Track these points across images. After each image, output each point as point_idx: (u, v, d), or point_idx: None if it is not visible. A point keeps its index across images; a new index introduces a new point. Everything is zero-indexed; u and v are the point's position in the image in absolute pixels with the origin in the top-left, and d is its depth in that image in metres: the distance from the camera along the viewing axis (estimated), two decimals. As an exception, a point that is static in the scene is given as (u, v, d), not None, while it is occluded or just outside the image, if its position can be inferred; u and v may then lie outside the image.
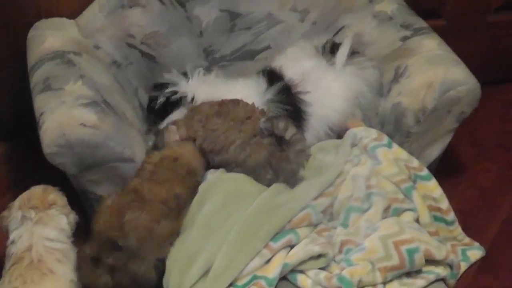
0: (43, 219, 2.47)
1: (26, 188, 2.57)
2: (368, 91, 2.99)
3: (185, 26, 3.09)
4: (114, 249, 2.42)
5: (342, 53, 2.99)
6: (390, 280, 2.48)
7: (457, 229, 2.83)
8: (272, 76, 2.97)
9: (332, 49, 3.03)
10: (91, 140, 2.53)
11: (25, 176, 2.54)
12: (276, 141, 2.65)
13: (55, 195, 2.54)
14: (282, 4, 3.16)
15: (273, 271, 2.44)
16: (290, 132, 2.64)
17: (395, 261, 2.46)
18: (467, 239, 2.89)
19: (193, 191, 2.62)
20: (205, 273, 2.44)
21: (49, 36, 2.92)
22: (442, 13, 3.55)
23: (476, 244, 2.91)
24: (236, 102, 2.78)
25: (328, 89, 2.97)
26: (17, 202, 2.52)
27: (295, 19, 3.19)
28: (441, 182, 2.77)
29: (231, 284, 2.42)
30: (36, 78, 2.75)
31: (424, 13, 3.24)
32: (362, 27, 3.15)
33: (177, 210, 2.55)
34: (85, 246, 2.47)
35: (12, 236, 2.46)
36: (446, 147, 3.01)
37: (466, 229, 2.89)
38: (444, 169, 3.15)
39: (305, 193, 2.60)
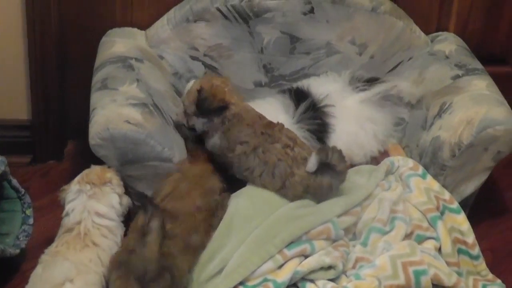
0: (97, 194, 2.67)
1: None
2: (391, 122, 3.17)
3: (247, 40, 3.23)
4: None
5: (373, 92, 3.15)
6: (396, 300, 2.56)
7: (482, 265, 2.85)
8: (299, 95, 3.12)
9: (360, 80, 3.19)
10: (133, 136, 2.70)
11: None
12: (318, 170, 2.70)
13: (112, 175, 2.73)
14: (341, 36, 3.25)
15: (283, 276, 2.55)
16: (342, 164, 2.68)
17: (401, 280, 2.54)
18: (490, 276, 2.89)
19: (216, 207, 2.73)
20: (221, 269, 2.58)
21: (118, 43, 3.14)
22: (509, 60, 3.61)
23: (499, 281, 2.88)
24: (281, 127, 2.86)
25: (346, 112, 3.11)
26: (77, 178, 2.73)
27: (353, 52, 3.29)
28: (480, 221, 2.83)
29: (242, 283, 2.55)
30: (96, 78, 2.97)
31: (490, 59, 3.35)
32: (402, 85, 3.23)
33: (204, 224, 2.67)
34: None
35: (67, 208, 2.69)
36: (494, 189, 3.03)
37: (493, 268, 2.91)
38: (487, 210, 3.21)
39: (328, 209, 2.69)
